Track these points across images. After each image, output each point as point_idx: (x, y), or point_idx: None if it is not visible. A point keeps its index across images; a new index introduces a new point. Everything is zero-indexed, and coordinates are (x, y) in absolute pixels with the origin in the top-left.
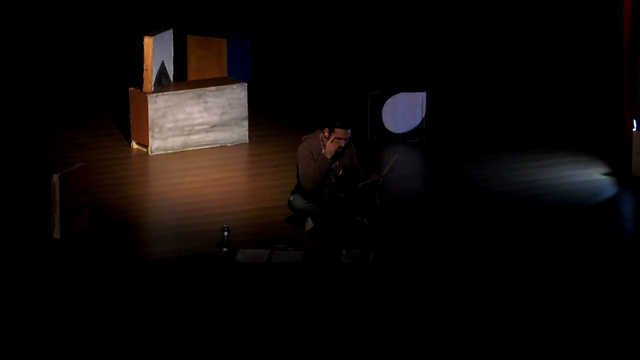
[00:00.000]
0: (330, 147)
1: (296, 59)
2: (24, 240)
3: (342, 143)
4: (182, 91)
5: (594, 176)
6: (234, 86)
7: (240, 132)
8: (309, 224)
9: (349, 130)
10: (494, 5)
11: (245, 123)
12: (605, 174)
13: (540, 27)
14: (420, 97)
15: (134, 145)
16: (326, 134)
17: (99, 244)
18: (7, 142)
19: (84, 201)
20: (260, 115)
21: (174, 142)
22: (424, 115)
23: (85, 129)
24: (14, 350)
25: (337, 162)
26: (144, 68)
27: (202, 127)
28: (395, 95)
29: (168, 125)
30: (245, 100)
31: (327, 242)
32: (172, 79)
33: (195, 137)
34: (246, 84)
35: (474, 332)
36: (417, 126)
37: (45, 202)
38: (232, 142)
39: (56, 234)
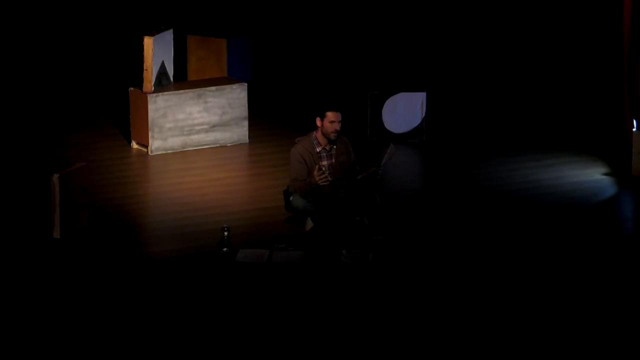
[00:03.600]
0: (315, 177)
1: (296, 59)
2: (24, 240)
3: (337, 126)
4: (182, 91)
5: (594, 176)
6: (234, 86)
7: (240, 132)
8: (309, 224)
9: (339, 113)
10: (494, 5)
11: (245, 123)
12: (605, 174)
13: (540, 28)
14: (420, 97)
15: (134, 145)
16: (318, 123)
17: (99, 244)
18: (7, 142)
19: (84, 201)
20: (260, 115)
21: (174, 142)
22: (424, 115)
23: (85, 129)
24: (14, 350)
25: (334, 160)
26: (144, 68)
27: (202, 127)
28: (395, 95)
29: (168, 125)
30: (245, 100)
31: (327, 242)
32: (172, 79)
33: (195, 137)
34: (246, 84)
35: (474, 331)
36: (417, 126)
37: (45, 202)
38: (232, 142)
39: (56, 234)
